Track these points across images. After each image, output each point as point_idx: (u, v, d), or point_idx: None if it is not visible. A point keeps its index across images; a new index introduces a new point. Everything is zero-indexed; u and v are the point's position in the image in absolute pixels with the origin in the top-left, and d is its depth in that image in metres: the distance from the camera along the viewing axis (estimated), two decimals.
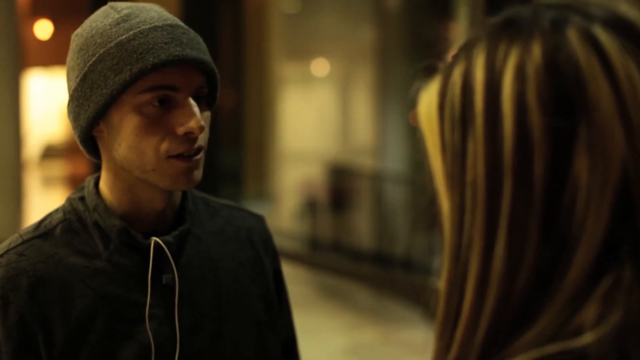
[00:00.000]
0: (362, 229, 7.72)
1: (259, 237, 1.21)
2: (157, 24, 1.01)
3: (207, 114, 1.05)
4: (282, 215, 8.67)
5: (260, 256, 1.19)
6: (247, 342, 1.13)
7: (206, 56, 1.03)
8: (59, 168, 15.29)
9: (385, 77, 8.06)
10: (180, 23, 1.05)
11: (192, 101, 1.01)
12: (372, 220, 7.63)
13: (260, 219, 1.24)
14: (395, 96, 8.09)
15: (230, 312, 1.12)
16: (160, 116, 1.00)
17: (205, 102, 1.05)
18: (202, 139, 1.03)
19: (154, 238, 1.05)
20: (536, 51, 0.57)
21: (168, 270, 1.06)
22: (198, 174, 1.03)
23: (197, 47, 1.02)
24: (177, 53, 0.99)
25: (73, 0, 10.53)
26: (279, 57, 9.13)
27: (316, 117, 8.74)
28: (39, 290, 1.02)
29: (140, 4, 1.06)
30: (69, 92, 1.05)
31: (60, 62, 13.34)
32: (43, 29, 12.21)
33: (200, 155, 1.03)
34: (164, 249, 1.06)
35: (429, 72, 0.65)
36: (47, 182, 14.92)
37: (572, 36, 0.57)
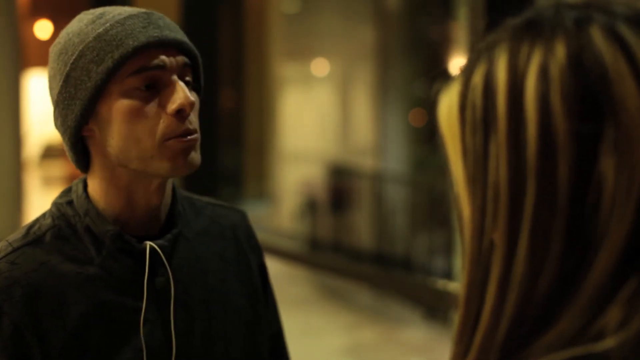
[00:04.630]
0: (362, 229, 7.71)
1: (242, 233, 1.20)
2: (132, 13, 1.02)
3: (195, 95, 1.04)
4: (282, 215, 8.66)
5: (245, 253, 1.19)
6: (235, 341, 1.12)
7: (185, 38, 1.03)
8: (59, 168, 15.27)
9: (385, 77, 8.05)
10: (155, 12, 1.05)
11: (177, 80, 1.00)
12: (372, 220, 7.62)
13: (242, 215, 1.23)
14: (395, 96, 8.08)
15: (219, 312, 1.11)
16: (149, 99, 0.99)
17: (191, 87, 1.04)
18: (195, 122, 1.02)
19: (149, 242, 1.04)
20: (560, 51, 0.56)
21: (161, 274, 1.05)
22: (196, 156, 1.02)
23: (174, 30, 1.03)
24: (156, 34, 0.99)
25: (73, 0, 10.51)
26: (279, 57, 9.12)
27: (316, 117, 8.73)
28: (33, 300, 1.00)
29: (117, 6, 1.06)
30: (52, 101, 1.04)
31: None
32: (43, 29, 12.20)
33: (196, 136, 1.02)
34: (157, 252, 1.04)
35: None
36: (47, 182, 14.90)
37: (597, 35, 0.56)
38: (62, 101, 1.02)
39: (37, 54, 12.04)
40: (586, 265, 0.55)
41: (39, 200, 11.92)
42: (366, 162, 7.93)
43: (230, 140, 9.31)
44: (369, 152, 8.12)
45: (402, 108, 8.10)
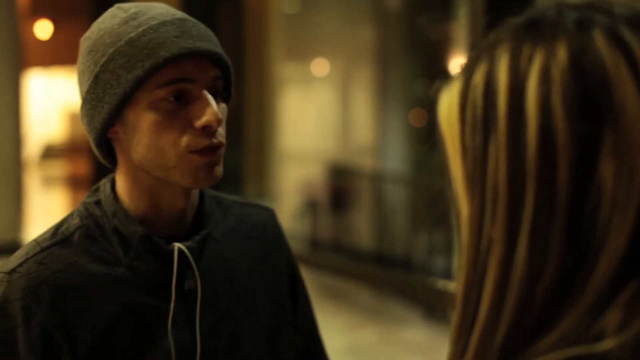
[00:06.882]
0: (362, 229, 7.72)
1: (271, 232, 1.20)
2: (166, 18, 1.00)
3: (224, 107, 1.03)
4: (282, 215, 8.62)
5: (273, 252, 1.19)
6: (260, 341, 1.12)
7: (218, 48, 1.01)
8: (59, 168, 15.27)
9: (385, 77, 8.05)
10: (190, 17, 1.03)
11: (207, 94, 0.99)
12: (372, 220, 7.62)
13: (270, 213, 1.23)
14: (395, 96, 8.08)
15: (245, 312, 1.11)
16: (176, 111, 0.99)
17: (221, 96, 1.04)
18: (221, 135, 1.01)
19: (177, 244, 1.03)
20: (561, 53, 0.55)
21: (189, 276, 1.05)
22: (219, 170, 1.02)
23: (208, 39, 1.01)
24: (189, 46, 0.98)
25: (73, 0, 10.52)
26: (279, 57, 9.12)
27: (316, 117, 8.73)
28: (61, 300, 1.00)
29: (147, 3, 1.05)
30: (81, 96, 1.03)
31: (60, 62, 13.35)
32: (43, 29, 12.20)
33: (221, 151, 1.01)
34: (185, 254, 1.04)
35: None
36: (47, 182, 14.90)
37: (598, 38, 0.55)
38: (89, 101, 1.01)
39: (37, 54, 12.05)
40: (586, 268, 0.55)
41: (39, 200, 11.91)
42: (366, 162, 7.93)
43: (230, 140, 9.29)
44: (369, 152, 8.12)
45: (402, 108, 8.10)
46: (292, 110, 8.92)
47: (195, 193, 1.08)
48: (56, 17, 11.98)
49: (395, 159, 8.00)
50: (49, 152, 16.95)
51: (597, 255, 0.54)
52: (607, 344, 0.52)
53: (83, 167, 10.06)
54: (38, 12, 11.45)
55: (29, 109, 10.23)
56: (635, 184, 0.54)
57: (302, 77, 9.06)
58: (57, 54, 12.45)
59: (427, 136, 7.71)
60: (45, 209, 11.37)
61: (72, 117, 13.10)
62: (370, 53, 8.17)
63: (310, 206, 8.13)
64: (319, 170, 8.17)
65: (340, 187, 7.99)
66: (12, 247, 7.77)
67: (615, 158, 0.54)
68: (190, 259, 1.04)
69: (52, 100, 16.30)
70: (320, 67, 9.11)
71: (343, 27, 8.41)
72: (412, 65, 8.06)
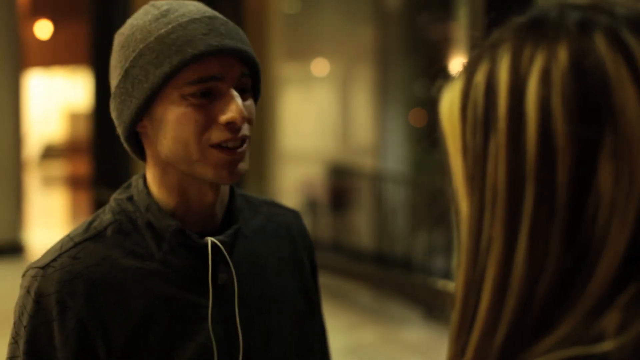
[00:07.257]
0: (362, 229, 7.71)
1: (297, 232, 1.22)
2: (195, 16, 1.02)
3: (251, 103, 1.05)
4: None
5: (299, 251, 1.21)
6: (291, 336, 1.14)
7: (245, 46, 1.03)
8: (59, 168, 15.28)
9: (385, 77, 8.05)
10: (220, 15, 1.05)
11: (234, 91, 1.01)
12: (372, 220, 7.62)
13: (297, 215, 1.25)
14: (395, 96, 8.08)
15: (275, 308, 1.13)
16: (203, 106, 1.00)
17: (249, 94, 1.05)
18: (246, 129, 1.03)
19: (210, 238, 1.05)
20: (562, 55, 0.56)
21: (223, 270, 1.06)
22: (243, 166, 1.03)
23: (236, 37, 1.03)
24: (216, 43, 1.00)
25: (73, 0, 10.52)
26: (279, 57, 9.12)
27: (316, 117, 8.73)
28: (95, 294, 1.01)
29: (180, 1, 1.07)
30: (112, 90, 1.06)
31: (60, 62, 13.33)
32: (43, 29, 12.20)
33: (245, 147, 1.03)
34: (218, 248, 1.06)
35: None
36: (47, 182, 14.90)
37: (600, 41, 0.55)
38: (119, 95, 1.04)
39: (37, 54, 12.05)
40: (586, 270, 0.55)
41: (39, 200, 11.91)
42: (366, 162, 7.93)
43: None
44: (369, 152, 8.12)
45: (402, 108, 8.10)
46: (292, 110, 8.92)
47: (224, 189, 1.10)
48: (56, 17, 11.98)
49: (395, 159, 8.00)
50: (49, 152, 16.94)
51: (597, 256, 0.54)
52: (606, 345, 0.52)
53: (83, 167, 10.06)
54: (38, 12, 11.45)
55: (29, 109, 10.24)
56: (634, 186, 0.54)
57: (302, 77, 9.06)
58: (57, 54, 12.45)
59: (427, 136, 7.71)
60: (45, 209, 11.37)
61: (72, 117, 13.10)
62: (370, 53, 8.17)
63: (311, 206, 8.13)
64: (319, 170, 8.17)
65: (340, 187, 7.99)
66: (12, 247, 7.78)
67: (615, 160, 0.54)
68: (224, 252, 1.06)
69: (52, 100, 16.31)
70: (320, 67, 9.11)
71: (343, 27, 8.41)
72: (412, 65, 8.06)
